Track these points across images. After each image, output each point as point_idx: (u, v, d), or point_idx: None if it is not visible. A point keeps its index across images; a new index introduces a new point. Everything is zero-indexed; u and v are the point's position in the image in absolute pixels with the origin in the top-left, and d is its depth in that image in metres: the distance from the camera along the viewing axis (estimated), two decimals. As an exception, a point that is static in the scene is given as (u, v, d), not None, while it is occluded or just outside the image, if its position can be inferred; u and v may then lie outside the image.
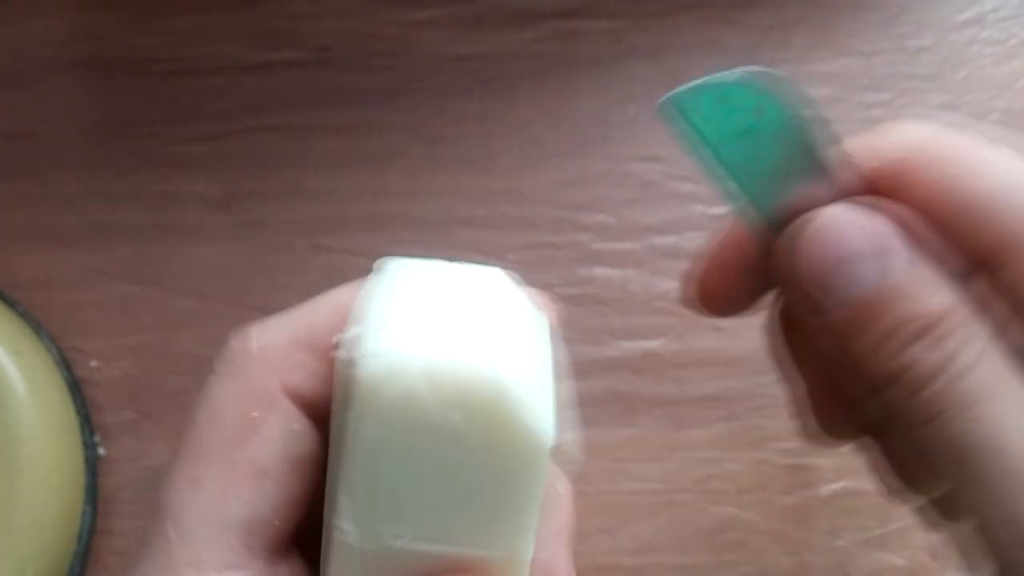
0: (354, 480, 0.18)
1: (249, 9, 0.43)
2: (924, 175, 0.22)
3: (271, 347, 0.21)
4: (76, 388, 0.40)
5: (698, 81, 0.22)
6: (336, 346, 0.20)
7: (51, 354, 0.40)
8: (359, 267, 0.41)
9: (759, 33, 0.43)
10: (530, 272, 0.41)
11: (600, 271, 0.41)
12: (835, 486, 0.40)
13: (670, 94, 0.22)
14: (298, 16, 0.43)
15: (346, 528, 0.18)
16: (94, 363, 0.40)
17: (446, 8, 0.43)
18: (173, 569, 0.19)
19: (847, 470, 0.40)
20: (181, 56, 0.43)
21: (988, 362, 0.19)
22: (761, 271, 0.24)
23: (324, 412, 0.21)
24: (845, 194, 0.22)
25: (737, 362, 0.41)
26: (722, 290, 0.26)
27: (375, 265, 0.20)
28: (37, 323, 0.40)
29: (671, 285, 0.41)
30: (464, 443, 0.17)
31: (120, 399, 0.40)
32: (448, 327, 0.18)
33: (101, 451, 0.39)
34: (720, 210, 0.42)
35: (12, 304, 0.40)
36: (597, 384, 0.40)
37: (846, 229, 0.21)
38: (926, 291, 0.20)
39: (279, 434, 0.20)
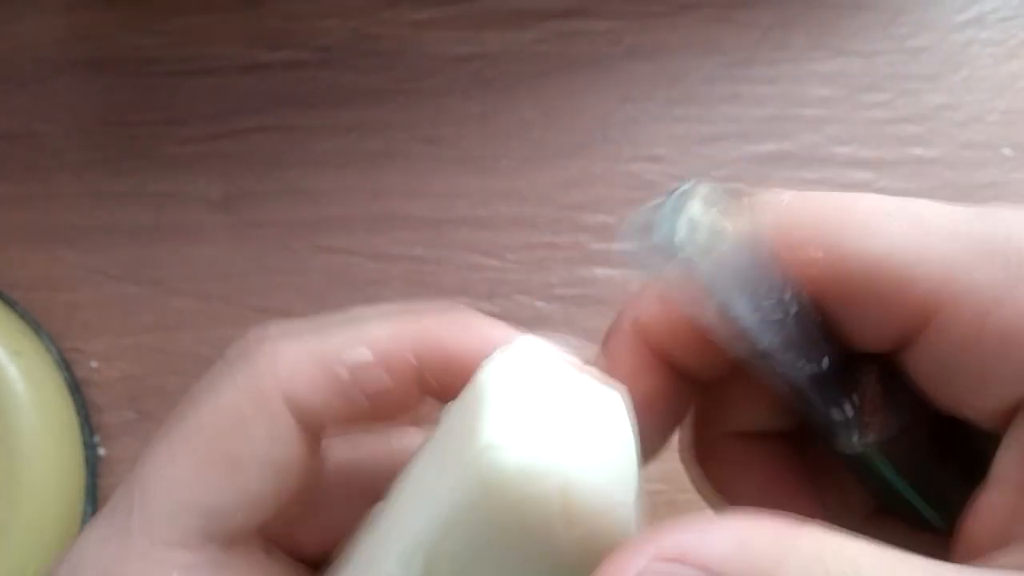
0: (438, 550, 0.18)
1: (249, 9, 0.43)
2: (803, 249, 0.19)
3: (284, 351, 0.20)
4: (76, 388, 0.40)
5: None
6: (349, 368, 0.20)
7: (51, 354, 0.40)
8: (359, 267, 0.42)
9: (759, 33, 0.43)
10: (530, 272, 0.42)
11: (600, 271, 0.41)
12: (835, 486, 0.40)
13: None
14: (298, 16, 0.43)
15: None
16: (94, 363, 0.40)
17: (446, 8, 0.43)
18: (129, 533, 0.19)
19: (847, 470, 0.40)
20: (181, 56, 0.43)
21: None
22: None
23: (317, 424, 0.21)
24: None
25: (737, 362, 0.41)
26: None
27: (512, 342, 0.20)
28: (37, 323, 0.40)
29: (671, 285, 0.41)
30: (562, 554, 0.18)
31: (120, 399, 0.40)
32: (584, 447, 0.18)
33: (101, 451, 0.39)
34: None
35: (12, 304, 0.40)
36: (597, 384, 0.40)
37: None
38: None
39: (265, 436, 0.20)
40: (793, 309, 0.19)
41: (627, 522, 0.18)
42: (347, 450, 0.23)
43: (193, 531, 0.20)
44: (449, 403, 0.20)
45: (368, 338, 0.21)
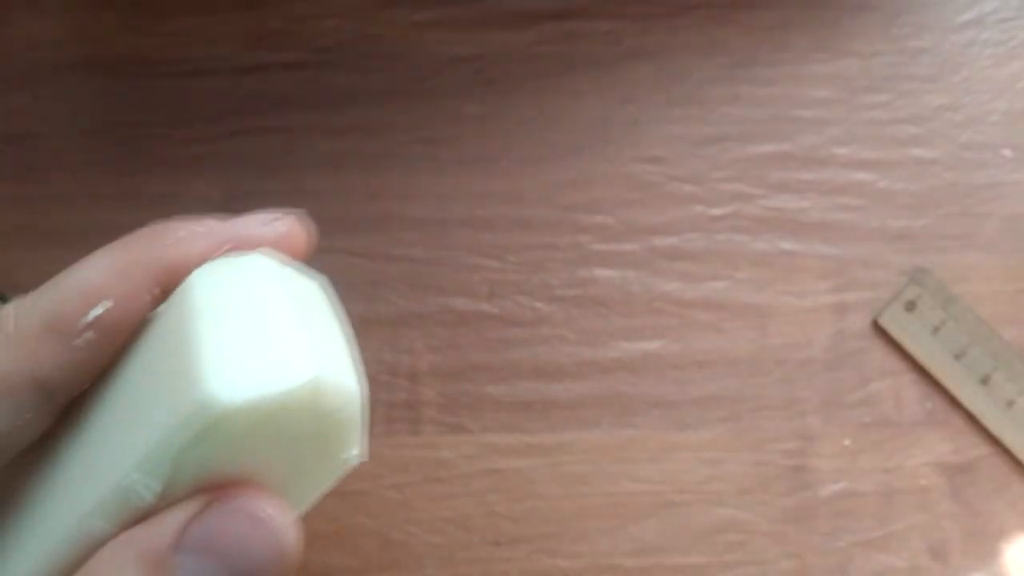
0: (183, 457, 0.18)
1: (249, 10, 0.43)
2: None
3: (25, 331, 0.21)
4: (76, 389, 0.40)
5: None
6: (82, 330, 0.20)
7: (51, 355, 0.40)
8: (359, 267, 0.42)
9: (759, 34, 0.43)
10: (530, 273, 0.42)
11: (600, 272, 0.41)
12: (835, 487, 0.40)
13: None
14: (298, 17, 0.43)
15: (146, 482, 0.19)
16: (94, 364, 0.40)
17: (446, 9, 0.43)
18: None
19: (847, 471, 0.40)
20: (181, 57, 0.43)
21: None
22: None
23: (65, 390, 0.21)
24: None
25: (737, 363, 0.41)
26: None
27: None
28: (37, 324, 0.40)
29: (671, 286, 0.41)
30: (305, 447, 0.19)
31: (120, 400, 0.40)
32: (259, 345, 0.19)
33: (101, 452, 0.39)
34: (719, 211, 0.42)
35: (12, 305, 0.40)
36: (597, 385, 0.40)
37: None
38: None
39: (6, 415, 0.20)
40: None
41: (353, 401, 0.19)
42: None
43: None
44: (159, 309, 0.21)
45: (101, 287, 0.21)
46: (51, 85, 0.43)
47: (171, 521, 0.18)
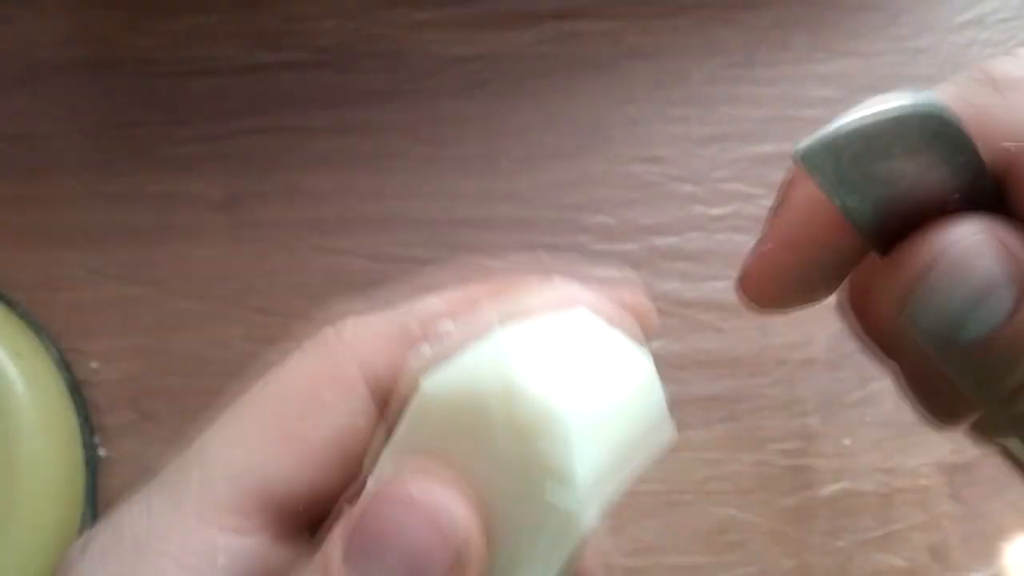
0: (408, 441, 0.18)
1: (249, 10, 0.43)
2: None
3: (356, 323, 0.20)
4: (76, 389, 0.40)
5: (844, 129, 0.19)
6: (423, 323, 0.20)
7: (51, 355, 0.40)
8: (359, 267, 0.42)
9: (759, 33, 0.43)
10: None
11: (600, 272, 0.41)
12: (835, 487, 0.40)
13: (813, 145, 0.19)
14: (298, 17, 0.43)
15: None
16: (94, 364, 0.40)
17: (446, 9, 0.43)
18: (180, 511, 0.18)
19: (847, 471, 0.40)
20: (181, 57, 0.43)
21: None
22: (829, 269, 0.23)
23: (390, 389, 0.20)
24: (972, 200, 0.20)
25: (737, 363, 0.41)
26: (779, 283, 0.24)
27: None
28: (37, 324, 0.40)
29: (671, 286, 0.41)
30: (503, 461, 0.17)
31: (120, 400, 0.40)
32: (565, 374, 0.18)
33: (101, 452, 0.39)
34: (719, 211, 0.42)
35: (12, 305, 0.40)
36: (597, 385, 0.40)
37: (983, 257, 0.19)
38: None
39: (343, 422, 0.19)
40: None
41: (563, 428, 0.17)
42: None
43: (251, 517, 0.19)
44: None
45: (445, 311, 0.21)
46: (51, 85, 0.43)
47: (338, 529, 0.17)
